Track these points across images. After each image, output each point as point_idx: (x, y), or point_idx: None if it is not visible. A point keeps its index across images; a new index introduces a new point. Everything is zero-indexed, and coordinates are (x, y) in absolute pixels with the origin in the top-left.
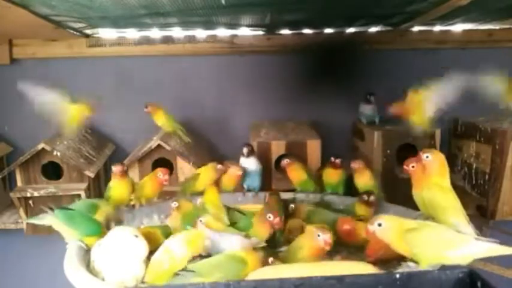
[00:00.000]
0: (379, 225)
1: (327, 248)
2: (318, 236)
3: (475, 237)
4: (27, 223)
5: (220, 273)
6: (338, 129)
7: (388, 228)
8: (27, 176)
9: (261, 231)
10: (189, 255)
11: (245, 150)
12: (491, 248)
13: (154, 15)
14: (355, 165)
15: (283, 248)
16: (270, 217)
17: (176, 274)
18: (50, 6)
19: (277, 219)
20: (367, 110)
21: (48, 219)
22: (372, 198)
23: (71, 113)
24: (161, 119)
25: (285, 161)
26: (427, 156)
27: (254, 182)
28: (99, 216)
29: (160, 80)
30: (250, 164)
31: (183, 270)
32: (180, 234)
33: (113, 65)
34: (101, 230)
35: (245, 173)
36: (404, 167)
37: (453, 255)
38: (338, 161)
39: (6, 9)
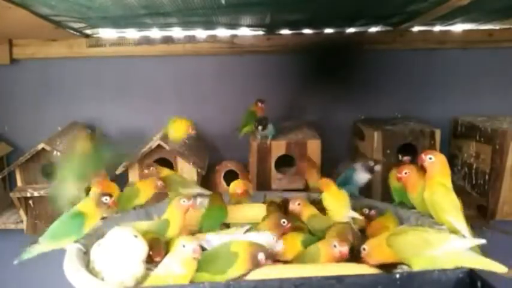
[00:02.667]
0: (430, 158)
1: (342, 259)
2: (334, 246)
3: (452, 235)
4: (27, 222)
5: (215, 267)
6: (338, 129)
7: (372, 251)
8: (27, 176)
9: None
10: (190, 273)
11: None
12: (467, 242)
13: (154, 15)
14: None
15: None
16: (284, 223)
17: None
18: (50, 6)
19: (289, 225)
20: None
21: (39, 247)
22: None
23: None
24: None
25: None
26: (430, 158)
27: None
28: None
29: (160, 80)
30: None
31: None
32: (178, 253)
33: (112, 65)
34: (85, 220)
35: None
36: (398, 175)
37: (436, 253)
38: None
39: (6, 9)
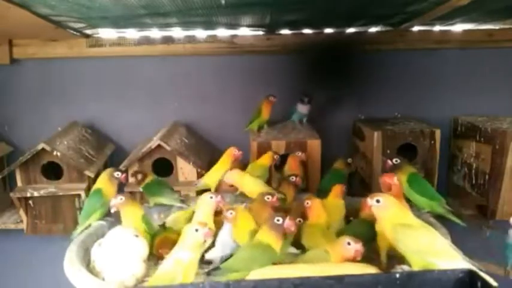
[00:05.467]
0: (377, 201)
1: (357, 258)
2: (348, 244)
3: (463, 256)
4: (28, 222)
5: (255, 264)
6: (338, 129)
7: (384, 208)
8: (27, 176)
9: (272, 240)
10: (197, 257)
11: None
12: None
13: (154, 15)
14: None
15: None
16: (278, 220)
17: (209, 274)
18: (50, 7)
19: (288, 221)
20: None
21: (80, 228)
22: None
23: None
24: None
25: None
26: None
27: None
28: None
29: (160, 80)
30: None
31: (215, 269)
32: (189, 238)
33: (113, 65)
34: (102, 193)
35: None
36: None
37: (438, 263)
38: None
39: (6, 10)
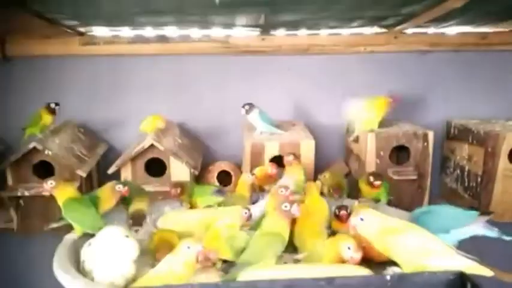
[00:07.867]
0: (361, 219)
1: (353, 263)
2: (349, 248)
3: (457, 251)
4: (18, 221)
5: (268, 253)
6: (332, 130)
7: (369, 225)
8: (18, 175)
9: (280, 226)
10: (189, 275)
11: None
12: (469, 266)
13: (149, 14)
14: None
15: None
16: (286, 207)
17: (225, 271)
18: (44, 4)
19: (295, 207)
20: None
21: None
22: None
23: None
24: None
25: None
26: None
27: None
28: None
29: (154, 79)
30: None
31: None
32: (182, 253)
33: (106, 64)
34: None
35: None
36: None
37: (432, 264)
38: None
39: None
